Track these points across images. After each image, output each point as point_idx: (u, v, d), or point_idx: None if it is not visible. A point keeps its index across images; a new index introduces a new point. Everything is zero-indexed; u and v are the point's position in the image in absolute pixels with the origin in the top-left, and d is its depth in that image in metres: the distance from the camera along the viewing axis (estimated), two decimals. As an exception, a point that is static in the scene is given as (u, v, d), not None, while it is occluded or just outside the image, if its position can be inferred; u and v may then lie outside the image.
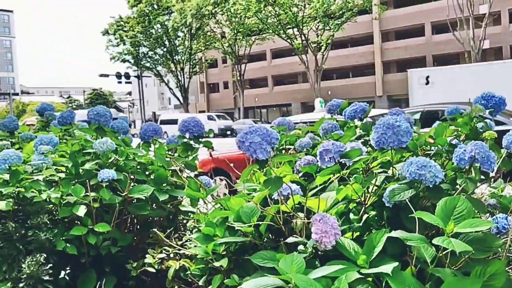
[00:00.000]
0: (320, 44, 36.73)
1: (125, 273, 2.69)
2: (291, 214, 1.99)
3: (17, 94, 73.62)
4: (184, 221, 3.28)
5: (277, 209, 1.97)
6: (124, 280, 2.71)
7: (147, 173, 3.06)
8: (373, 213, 1.92)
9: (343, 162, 1.96)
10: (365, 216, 1.89)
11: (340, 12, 35.03)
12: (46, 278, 2.22)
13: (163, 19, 43.54)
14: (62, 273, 2.51)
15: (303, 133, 3.14)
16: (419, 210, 1.65)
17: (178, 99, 47.91)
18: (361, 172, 2.14)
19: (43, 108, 4.26)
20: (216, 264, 2.06)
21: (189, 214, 3.20)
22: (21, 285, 2.21)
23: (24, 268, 2.20)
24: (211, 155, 9.04)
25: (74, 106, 66.04)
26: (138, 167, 2.97)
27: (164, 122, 35.03)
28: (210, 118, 39.11)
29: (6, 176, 2.54)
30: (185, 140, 3.06)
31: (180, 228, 3.23)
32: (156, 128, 3.05)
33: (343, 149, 1.88)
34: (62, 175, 2.62)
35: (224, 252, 2.13)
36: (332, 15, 35.40)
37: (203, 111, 57.13)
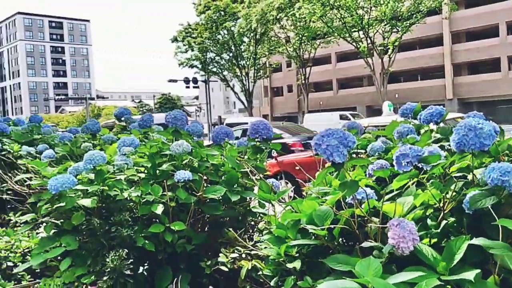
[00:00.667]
0: (387, 47, 35.81)
1: (198, 271, 2.79)
2: (366, 218, 1.98)
3: (93, 99, 77.54)
4: (252, 223, 3.34)
5: (351, 213, 1.97)
6: (198, 278, 2.79)
7: (218, 174, 3.14)
8: (452, 219, 1.86)
9: (420, 166, 1.92)
10: (444, 222, 1.84)
11: (409, 14, 33.97)
12: (128, 272, 2.34)
13: (229, 25, 44.29)
14: (141, 268, 2.64)
15: (373, 137, 3.11)
16: (502, 218, 1.59)
17: (243, 103, 48.47)
18: (438, 177, 2.09)
19: (120, 112, 4.50)
20: (289, 265, 2.08)
21: (258, 215, 3.26)
22: (104, 278, 2.35)
23: (108, 262, 2.33)
24: (276, 159, 9.10)
25: (144, 110, 68.61)
26: (211, 168, 3.06)
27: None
28: (343, 117, 34.64)
29: (91, 175, 2.72)
30: (254, 142, 3.13)
31: (249, 230, 3.29)
32: (228, 131, 3.13)
33: (421, 153, 1.85)
34: (142, 175, 2.76)
35: (297, 254, 2.15)
36: (400, 17, 34.40)
37: (267, 115, 57.49)
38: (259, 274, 2.37)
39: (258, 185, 2.69)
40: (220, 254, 2.57)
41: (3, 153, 4.94)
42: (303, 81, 44.95)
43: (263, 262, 2.39)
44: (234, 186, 2.96)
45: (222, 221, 3.24)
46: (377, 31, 35.50)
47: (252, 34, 44.02)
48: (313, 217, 2.09)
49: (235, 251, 2.60)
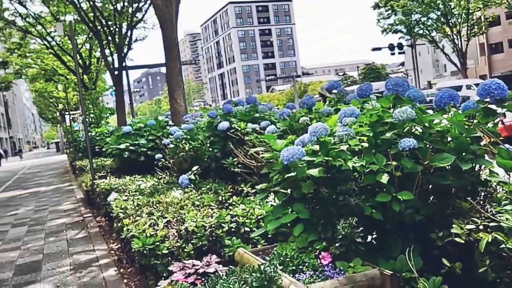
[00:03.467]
0: None
1: (426, 242, 2.68)
2: None
3: (299, 76, 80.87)
4: (483, 193, 3.06)
5: None
6: (426, 249, 2.69)
7: (444, 141, 2.95)
8: None
9: None
10: None
11: None
12: (359, 240, 2.38)
13: (436, -19, 40.92)
14: (369, 237, 2.66)
15: None
16: None
17: (455, 65, 44.54)
18: None
19: (331, 85, 4.58)
20: (542, 239, 1.85)
21: (489, 184, 2.97)
22: (336, 244, 2.43)
23: (339, 229, 2.41)
24: (503, 123, 8.16)
25: (349, 82, 68.68)
26: (436, 135, 2.88)
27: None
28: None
29: (316, 147, 2.83)
30: (485, 105, 2.84)
31: (479, 201, 3.02)
32: (452, 94, 2.90)
33: None
34: (365, 145, 2.76)
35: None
36: None
37: (484, 76, 51.80)
38: (501, 248, 2.16)
39: (495, 152, 2.43)
40: (454, 226, 2.41)
41: (232, 131, 5.52)
42: (529, 32, 38.93)
43: (506, 235, 2.17)
44: (463, 154, 2.74)
45: (449, 191, 3.04)
46: None
47: (462, -12, 39.89)
48: None
49: (470, 222, 2.42)
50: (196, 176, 5.70)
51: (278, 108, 6.54)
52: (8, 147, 67.32)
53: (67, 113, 32.46)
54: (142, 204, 5.00)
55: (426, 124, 2.87)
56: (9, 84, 33.34)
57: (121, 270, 5.14)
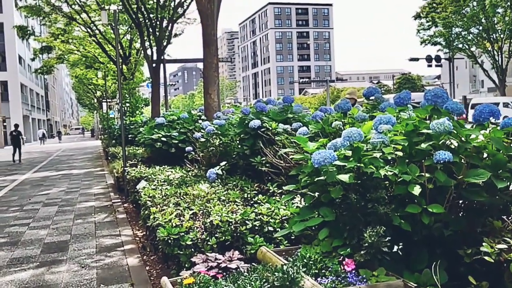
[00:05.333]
0: None
1: (453, 258, 2.64)
2: None
3: (333, 81, 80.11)
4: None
5: None
6: (454, 265, 2.65)
7: (480, 157, 2.89)
8: None
9: None
10: None
11: None
12: (385, 249, 2.36)
13: (479, -4, 39.92)
14: (395, 247, 2.63)
15: None
16: None
17: (493, 81, 43.38)
18: None
19: (369, 92, 4.54)
20: None
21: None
22: (362, 252, 2.41)
23: (366, 237, 2.39)
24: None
25: (383, 91, 67.69)
26: (472, 150, 2.83)
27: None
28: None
29: (348, 152, 2.81)
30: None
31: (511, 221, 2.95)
32: (493, 110, 2.83)
33: None
34: (400, 154, 2.72)
35: None
36: None
37: (524, 95, 50.20)
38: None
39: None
40: (484, 244, 2.36)
41: (263, 129, 5.53)
42: None
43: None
44: (500, 171, 2.68)
45: (479, 208, 2.98)
46: None
47: (508, 3, 38.75)
48: None
49: (502, 242, 2.36)
50: (224, 171, 5.74)
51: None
52: (46, 129, 69.26)
53: (104, 100, 33.11)
54: (169, 194, 5.06)
55: (463, 138, 2.82)
56: (50, 68, 34.21)
57: (144, 257, 5.22)
